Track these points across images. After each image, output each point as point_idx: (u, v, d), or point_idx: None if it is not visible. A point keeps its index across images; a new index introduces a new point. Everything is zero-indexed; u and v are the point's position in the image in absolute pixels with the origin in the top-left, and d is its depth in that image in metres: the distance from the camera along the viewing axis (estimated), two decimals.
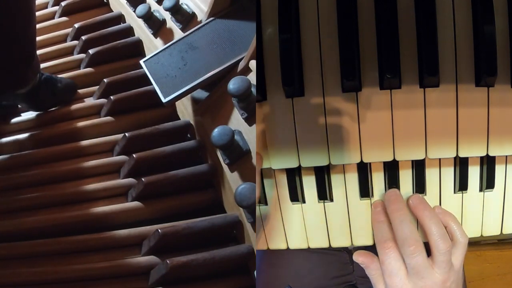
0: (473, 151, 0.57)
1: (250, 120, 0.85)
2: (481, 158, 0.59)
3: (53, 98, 1.13)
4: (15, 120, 1.14)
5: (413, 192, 0.60)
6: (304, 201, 0.61)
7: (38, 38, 1.26)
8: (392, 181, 0.60)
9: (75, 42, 1.29)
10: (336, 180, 0.60)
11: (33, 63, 1.05)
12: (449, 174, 0.60)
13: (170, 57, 0.99)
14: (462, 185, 0.60)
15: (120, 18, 1.33)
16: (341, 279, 0.81)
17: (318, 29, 0.55)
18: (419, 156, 0.57)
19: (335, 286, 0.81)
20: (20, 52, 1.00)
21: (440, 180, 0.60)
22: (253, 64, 0.88)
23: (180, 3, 1.10)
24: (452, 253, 0.56)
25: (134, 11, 1.22)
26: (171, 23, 1.13)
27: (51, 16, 1.41)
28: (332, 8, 0.55)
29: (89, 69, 1.22)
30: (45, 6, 1.45)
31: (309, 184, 0.61)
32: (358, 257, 0.60)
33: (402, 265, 0.56)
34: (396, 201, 0.58)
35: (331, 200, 0.61)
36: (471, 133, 0.56)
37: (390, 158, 0.57)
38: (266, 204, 0.62)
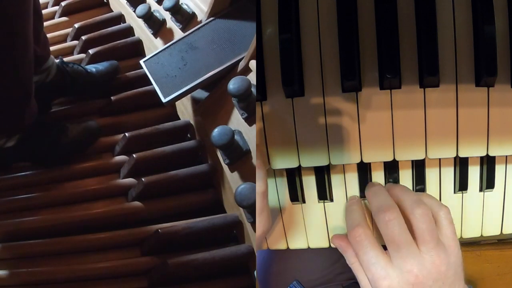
0: (473, 151, 0.57)
1: (250, 120, 0.85)
2: (481, 158, 0.59)
3: (56, 149, 0.98)
4: None
5: None
6: (304, 201, 0.61)
7: None
8: (392, 181, 0.60)
9: (75, 42, 1.30)
10: (336, 180, 0.60)
11: (30, 102, 0.92)
12: (449, 174, 0.60)
13: (170, 57, 0.99)
14: (462, 185, 0.60)
15: (120, 18, 1.33)
16: (345, 275, 0.81)
17: (318, 29, 0.55)
18: (419, 156, 0.57)
19: (339, 281, 0.81)
20: (14, 89, 0.88)
21: (440, 180, 0.60)
22: (253, 64, 0.88)
23: (180, 3, 1.10)
24: (438, 231, 0.50)
25: (134, 11, 1.22)
26: (171, 23, 1.13)
27: (51, 16, 1.41)
28: (332, 8, 0.55)
29: None
30: (45, 6, 1.45)
31: (309, 184, 0.61)
32: (334, 240, 0.56)
33: (380, 252, 0.49)
34: (373, 184, 0.57)
35: (331, 200, 0.61)
36: (471, 133, 0.56)
37: (390, 158, 0.57)
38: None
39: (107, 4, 1.42)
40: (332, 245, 0.59)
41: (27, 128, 0.95)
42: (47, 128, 0.99)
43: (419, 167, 0.59)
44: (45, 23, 1.36)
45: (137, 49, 1.24)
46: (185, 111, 1.06)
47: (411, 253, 0.48)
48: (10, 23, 0.81)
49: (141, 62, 1.02)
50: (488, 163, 0.59)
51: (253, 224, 0.79)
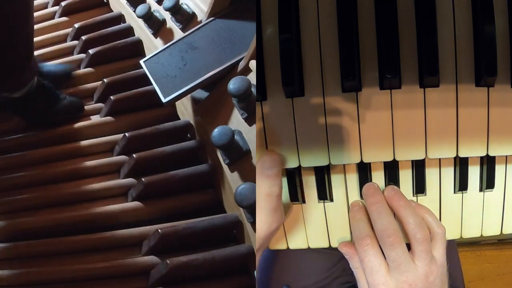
0: (473, 151, 0.57)
1: (250, 120, 0.85)
2: (481, 158, 0.59)
3: (51, 111, 1.09)
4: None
5: (413, 193, 0.60)
6: (304, 201, 0.61)
7: (38, 38, 1.27)
8: (392, 181, 0.60)
9: (75, 42, 1.29)
10: (336, 180, 0.60)
11: (31, 64, 1.02)
12: (449, 174, 0.60)
13: (170, 57, 0.99)
14: (462, 185, 0.60)
15: (120, 18, 1.33)
16: (343, 278, 0.81)
17: (318, 29, 0.55)
18: (419, 156, 0.57)
19: (337, 285, 0.81)
20: (17, 51, 0.97)
21: (440, 180, 0.60)
22: (253, 64, 0.88)
23: (180, 3, 1.10)
24: (432, 246, 0.56)
25: (134, 11, 1.22)
26: (171, 23, 1.13)
27: (51, 16, 1.41)
28: (332, 8, 0.55)
29: (89, 69, 1.22)
30: (45, 6, 1.45)
31: (309, 184, 0.61)
32: (343, 247, 0.60)
33: (382, 261, 0.55)
34: (374, 194, 0.58)
35: (331, 200, 0.61)
36: (471, 133, 0.56)
37: (390, 158, 0.57)
38: None
39: (107, 4, 1.42)
40: (333, 246, 0.61)
41: (28, 84, 1.03)
42: (49, 90, 1.09)
43: (419, 167, 0.59)
44: (45, 23, 1.37)
45: (137, 49, 1.24)
46: (185, 111, 1.06)
47: (409, 268, 0.54)
48: None
49: (141, 62, 1.02)
50: (488, 163, 0.59)
51: (253, 224, 0.79)
